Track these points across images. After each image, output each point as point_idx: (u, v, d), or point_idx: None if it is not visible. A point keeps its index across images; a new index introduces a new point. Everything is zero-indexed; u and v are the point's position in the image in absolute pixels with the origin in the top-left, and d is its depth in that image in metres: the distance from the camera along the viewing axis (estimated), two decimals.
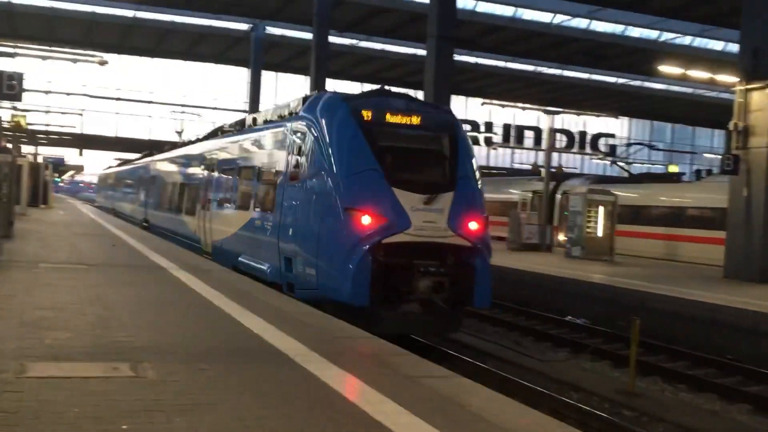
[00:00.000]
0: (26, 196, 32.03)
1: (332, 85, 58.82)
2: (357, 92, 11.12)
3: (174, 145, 28.24)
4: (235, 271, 13.04)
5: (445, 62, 32.60)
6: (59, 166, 61.45)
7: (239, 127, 16.66)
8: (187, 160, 20.93)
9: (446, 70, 32.58)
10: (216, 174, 16.63)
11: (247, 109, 57.33)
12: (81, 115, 53.60)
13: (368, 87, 62.07)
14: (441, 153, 10.21)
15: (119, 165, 49.98)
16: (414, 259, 9.49)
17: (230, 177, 15.25)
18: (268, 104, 59.57)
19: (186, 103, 59.07)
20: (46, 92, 52.46)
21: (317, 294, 9.97)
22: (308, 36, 47.56)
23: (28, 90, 30.68)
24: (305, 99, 11.55)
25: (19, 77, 16.22)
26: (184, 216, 19.43)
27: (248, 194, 13.46)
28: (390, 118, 10.16)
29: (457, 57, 42.73)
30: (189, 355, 6.71)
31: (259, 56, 54.44)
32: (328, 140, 9.89)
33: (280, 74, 61.39)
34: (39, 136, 51.60)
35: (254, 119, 15.43)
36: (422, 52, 43.20)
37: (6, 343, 6.76)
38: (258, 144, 13.57)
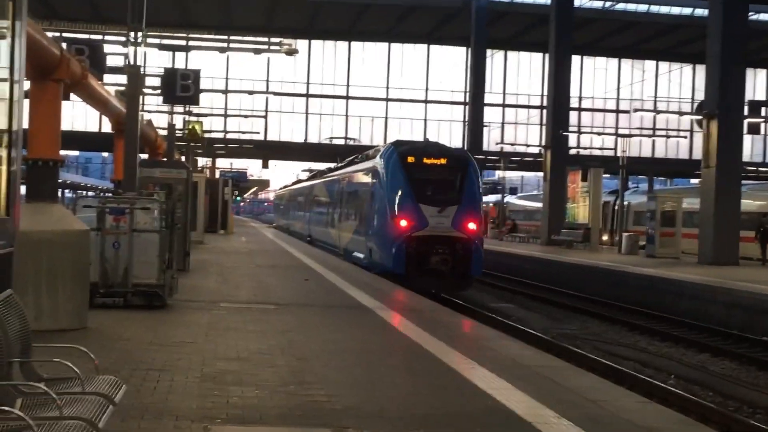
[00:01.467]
0: (203, 220, 34.28)
1: (577, 62, 58.34)
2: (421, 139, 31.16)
3: (333, 168, 43.27)
4: (351, 263, 26.16)
5: (735, 24, 31.21)
6: (240, 181, 65.76)
7: (356, 160, 32.16)
8: (329, 185, 37.57)
9: (737, 35, 31.16)
10: (341, 196, 31.61)
11: (466, 100, 58.16)
12: (265, 117, 57.28)
13: (626, 62, 60.49)
14: (453, 181, 23.29)
15: (293, 184, 69.50)
16: (430, 245, 22.36)
17: (348, 198, 29.72)
18: (496, 90, 59.92)
19: (391, 96, 60.94)
20: (224, 92, 56.29)
21: (382, 269, 22.72)
22: (546, 0, 47.52)
23: (204, 90, 33.17)
24: (385, 146, 25.96)
25: (195, 75, 17.51)
26: (329, 229, 35.05)
27: (355, 210, 27.95)
28: (425, 160, 23.65)
29: (752, 16, 40.70)
30: (403, 421, 6.91)
31: (482, 31, 55.09)
32: (385, 176, 23.64)
33: (510, 53, 61.65)
34: (217, 145, 55.55)
35: (367, 155, 29.96)
36: (702, 12, 41.73)
37: (187, 400, 7.33)
38: (357, 176, 28.21)
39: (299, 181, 63.50)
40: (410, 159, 24.29)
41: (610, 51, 60.96)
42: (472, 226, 23.32)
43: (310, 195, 46.54)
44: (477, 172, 24.74)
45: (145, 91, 21.83)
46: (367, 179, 26.98)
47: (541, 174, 52.88)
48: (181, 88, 17.80)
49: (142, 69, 17.23)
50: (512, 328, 19.33)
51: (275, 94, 57.40)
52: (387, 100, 60.84)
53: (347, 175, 32.18)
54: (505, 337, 13.02)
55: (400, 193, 23.88)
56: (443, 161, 24.51)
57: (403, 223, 23.28)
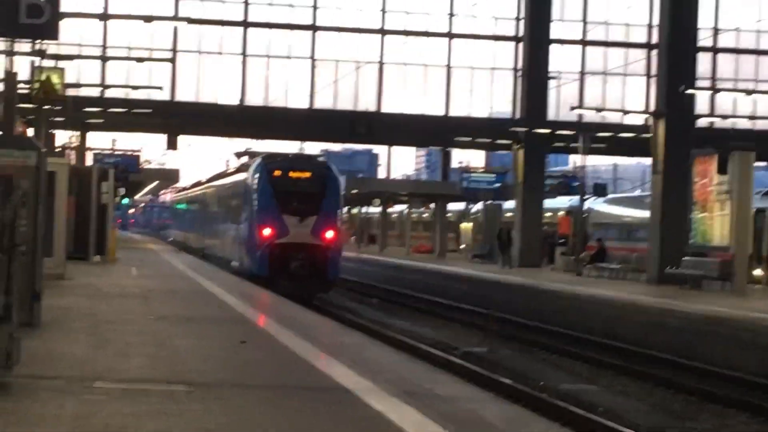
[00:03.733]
0: (64, 239, 34.04)
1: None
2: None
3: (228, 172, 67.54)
4: (231, 272, 47.58)
5: None
6: (129, 172, 65.46)
7: (234, 171, 59.63)
8: (211, 196, 65.96)
9: None
10: (221, 207, 59.40)
11: (518, 33, 58.25)
12: (172, 62, 56.77)
13: None
14: (314, 193, 46.24)
15: (191, 187, 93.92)
16: (290, 251, 44.86)
17: (226, 209, 56.65)
18: (571, 17, 60.07)
19: (389, 26, 60.81)
20: (102, 17, 56.16)
21: (250, 272, 46.01)
22: None
23: (69, 15, 32.94)
24: (255, 160, 51.13)
25: None
26: (215, 240, 59.98)
27: (231, 220, 53.84)
28: (291, 174, 46.97)
29: None
30: None
31: None
32: (253, 188, 47.54)
33: None
34: (89, 110, 55.31)
35: (245, 165, 54.70)
36: None
37: None
38: (233, 188, 54.65)
39: (198, 184, 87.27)
40: (276, 173, 46.10)
41: None
42: (329, 234, 44.97)
43: (198, 204, 75.03)
44: (338, 185, 47.52)
45: None
46: (239, 191, 50.39)
47: (647, 161, 52.88)
48: (27, 10, 17.72)
49: None
50: (600, 426, 19.29)
51: (190, 21, 57.16)
52: (383, 32, 60.81)
53: (226, 186, 58.07)
54: None
55: (265, 204, 45.56)
56: (307, 175, 46.34)
57: (267, 231, 44.64)
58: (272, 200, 44.97)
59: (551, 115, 58.51)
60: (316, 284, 44.22)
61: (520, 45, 59.08)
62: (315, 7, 60.26)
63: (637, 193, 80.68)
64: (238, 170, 56.53)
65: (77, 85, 49.97)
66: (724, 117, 58.36)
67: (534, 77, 57.22)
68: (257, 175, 46.29)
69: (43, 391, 13.44)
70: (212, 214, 64.10)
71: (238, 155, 68.70)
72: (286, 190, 45.14)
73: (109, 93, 55.93)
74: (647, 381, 26.71)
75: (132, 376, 15.13)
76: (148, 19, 54.19)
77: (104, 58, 54.72)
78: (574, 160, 66.62)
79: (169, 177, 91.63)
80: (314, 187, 45.42)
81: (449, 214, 79.00)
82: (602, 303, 36.82)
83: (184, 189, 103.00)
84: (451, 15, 61.05)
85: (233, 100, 60.48)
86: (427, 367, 19.99)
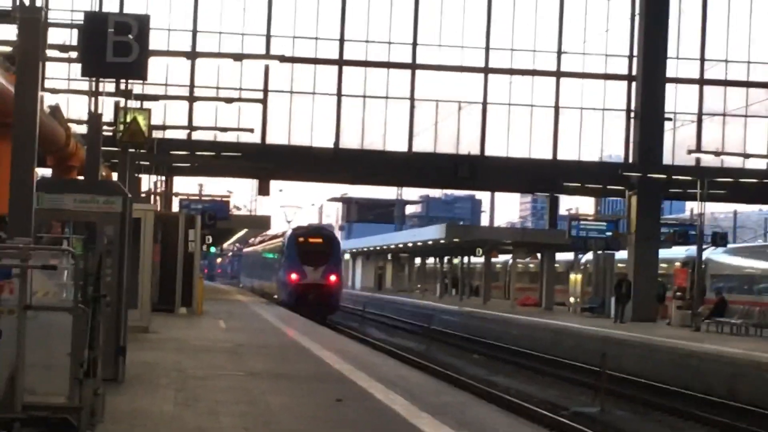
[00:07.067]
0: (150, 289, 34.11)
1: None
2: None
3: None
4: (276, 303, 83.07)
5: None
6: (218, 219, 65.57)
7: (280, 235, 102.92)
8: (265, 251, 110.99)
9: None
10: (271, 259, 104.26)
11: (632, 71, 58.00)
12: (263, 102, 56.81)
13: None
14: (324, 251, 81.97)
15: (260, 242, 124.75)
16: (308, 288, 77.89)
17: (272, 262, 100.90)
18: (687, 54, 59.72)
19: (494, 65, 60.69)
20: (190, 55, 56.42)
21: (282, 301, 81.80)
22: None
23: (156, 53, 33.09)
24: (288, 231, 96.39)
25: (140, 26, 17.43)
26: (270, 282, 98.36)
27: (275, 269, 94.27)
28: (309, 239, 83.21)
29: None
30: None
31: None
32: (286, 249, 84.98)
33: None
34: (177, 153, 55.50)
35: (283, 233, 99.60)
36: None
37: None
38: (275, 247, 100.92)
39: (264, 239, 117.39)
40: (300, 239, 76.66)
41: None
42: (333, 278, 74.38)
43: (258, 257, 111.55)
44: (339, 246, 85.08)
45: (50, 53, 21.88)
46: (278, 250, 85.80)
47: None
48: (114, 48, 17.79)
49: (44, 12, 17.28)
50: None
51: (282, 59, 57.23)
52: (486, 70, 60.79)
53: (271, 246, 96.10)
54: None
55: (293, 259, 75.51)
56: (319, 239, 76.90)
57: (294, 276, 73.99)
58: (297, 256, 74.80)
59: (667, 159, 58.13)
60: (324, 310, 71.32)
61: (633, 84, 58.79)
62: (414, 44, 60.24)
63: (760, 242, 79.92)
64: (283, 235, 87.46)
65: (163, 127, 50.21)
66: None
67: (648, 118, 56.94)
68: (287, 241, 77.99)
69: None
70: (264, 264, 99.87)
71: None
72: (306, 249, 75.00)
73: (197, 135, 56.17)
74: None
75: None
76: (238, 57, 54.10)
77: (192, 99, 54.88)
78: (691, 207, 65.95)
79: (259, 224, 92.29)
80: (323, 248, 75.58)
81: (556, 265, 78.61)
82: (722, 360, 36.43)
83: (253, 244, 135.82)
84: (560, 53, 60.87)
85: (327, 143, 60.53)
86: (535, 429, 19.85)
